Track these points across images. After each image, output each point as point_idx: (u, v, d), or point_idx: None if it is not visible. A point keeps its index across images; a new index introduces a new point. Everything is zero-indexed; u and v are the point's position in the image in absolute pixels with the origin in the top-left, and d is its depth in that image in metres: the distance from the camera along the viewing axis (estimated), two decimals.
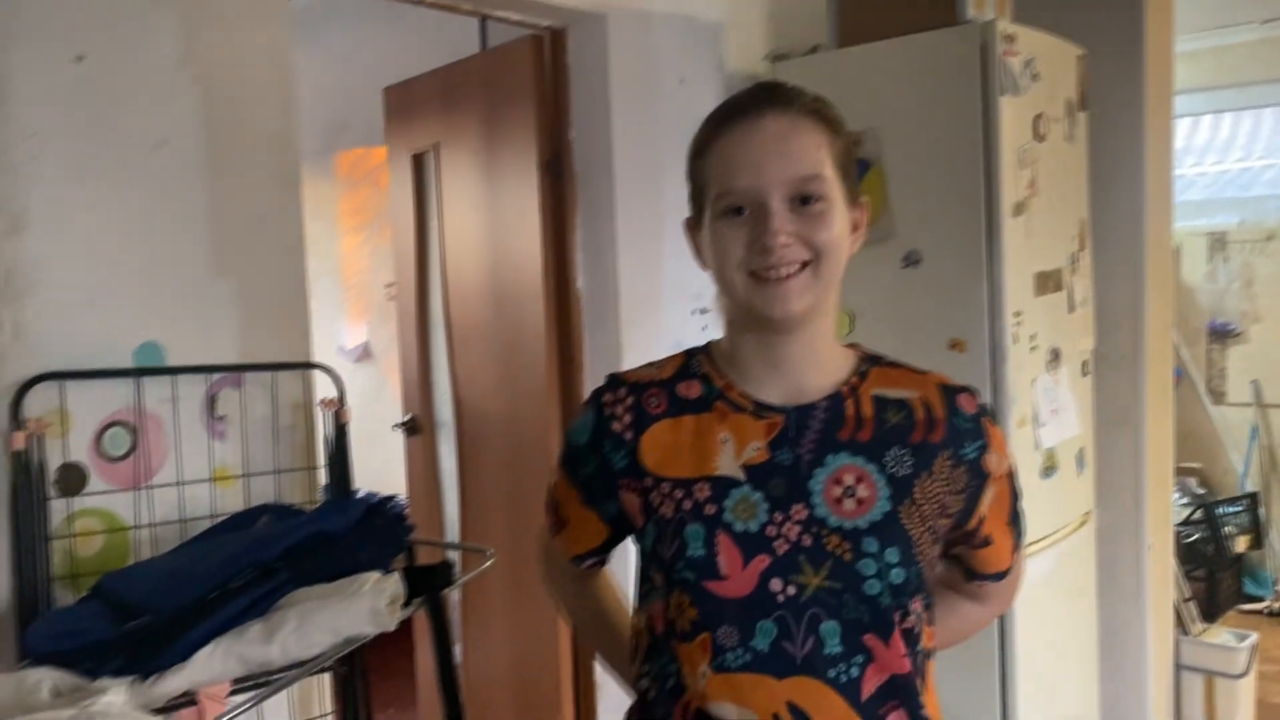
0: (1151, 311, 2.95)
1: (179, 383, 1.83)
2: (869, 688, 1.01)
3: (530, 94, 2.65)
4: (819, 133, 1.04)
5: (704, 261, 1.09)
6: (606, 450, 1.11)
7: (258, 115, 1.96)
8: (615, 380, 1.14)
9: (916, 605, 1.05)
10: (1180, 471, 4.48)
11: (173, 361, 1.82)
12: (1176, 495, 4.05)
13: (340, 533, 1.50)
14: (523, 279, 2.71)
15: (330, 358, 5.14)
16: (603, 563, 1.23)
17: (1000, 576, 1.19)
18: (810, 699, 0.99)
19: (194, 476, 1.83)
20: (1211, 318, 4.85)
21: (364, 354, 5.05)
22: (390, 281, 4.23)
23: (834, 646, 1.00)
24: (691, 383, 1.11)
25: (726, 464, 1.05)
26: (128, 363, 1.78)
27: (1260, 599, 4.47)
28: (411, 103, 3.09)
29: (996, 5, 2.55)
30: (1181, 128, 4.77)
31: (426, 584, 1.50)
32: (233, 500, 1.88)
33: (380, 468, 4.68)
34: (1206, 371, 4.87)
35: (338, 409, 1.96)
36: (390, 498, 1.61)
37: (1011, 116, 2.43)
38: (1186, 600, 3.19)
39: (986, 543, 1.14)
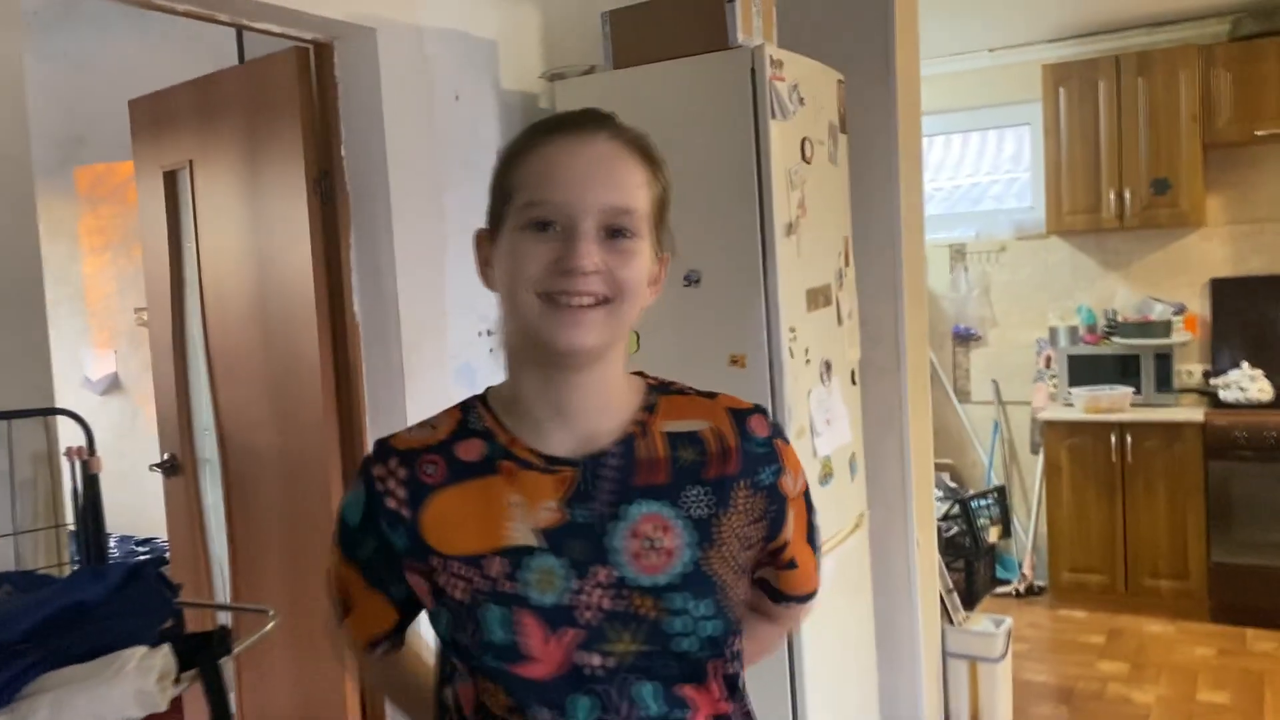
0: (909, 321, 3.13)
1: None
2: None
3: (295, 109, 2.51)
4: (643, 170, 1.01)
5: (491, 278, 1.03)
6: (384, 530, 1.02)
7: None
8: (384, 448, 1.05)
9: (733, 645, 1.03)
10: (935, 468, 4.80)
11: None
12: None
13: (97, 603, 1.35)
14: (293, 304, 2.56)
15: (74, 390, 4.72)
16: (398, 645, 1.14)
17: (809, 597, 1.19)
18: None
19: None
20: (955, 323, 5.23)
21: (112, 385, 4.66)
22: (141, 306, 3.92)
23: (654, 707, 0.97)
24: (471, 442, 1.03)
25: (520, 531, 0.98)
26: None
27: (1008, 582, 4.85)
28: (162, 117, 2.87)
29: (763, 31, 2.64)
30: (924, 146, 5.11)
31: (200, 655, 1.36)
32: None
33: (135, 512, 4.34)
34: (953, 373, 5.25)
35: (86, 458, 1.77)
36: (153, 560, 1.46)
37: (781, 139, 2.52)
38: (949, 591, 3.40)
39: (793, 565, 1.13)
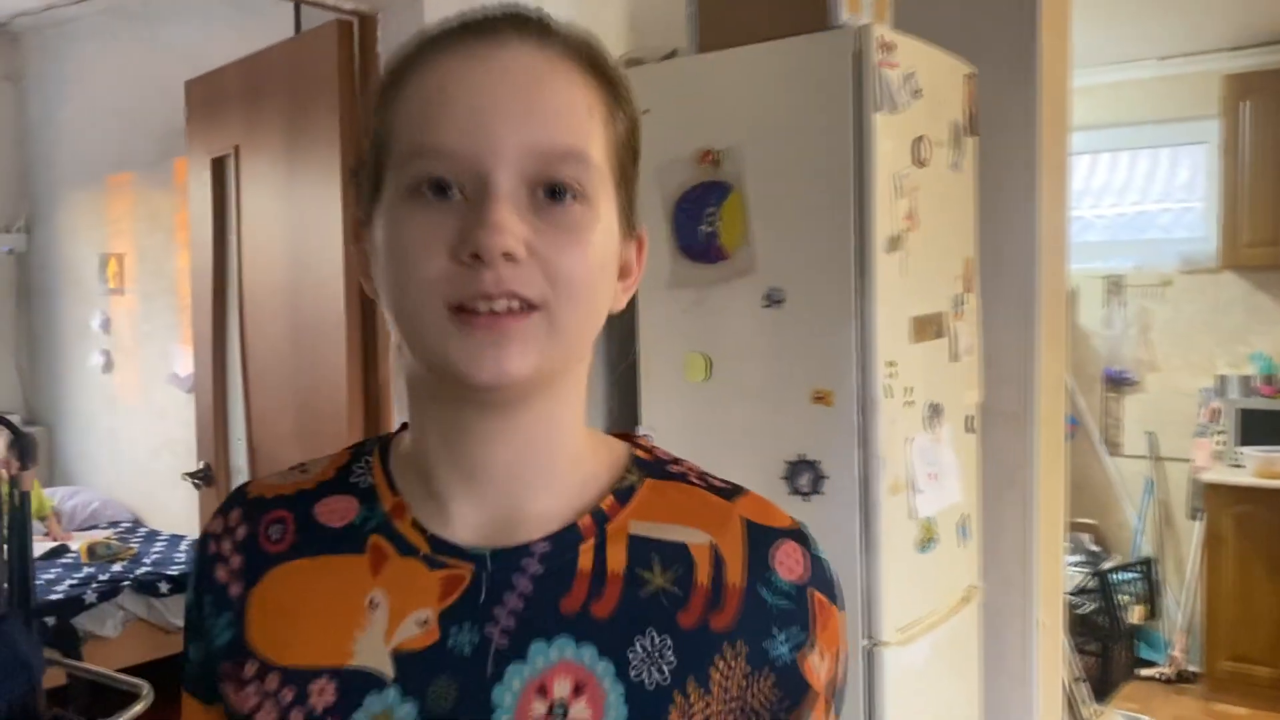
0: (1044, 361, 2.66)
1: None
2: None
3: (334, 91, 2.24)
4: (591, 90, 0.64)
5: (371, 281, 0.67)
6: (206, 614, 0.71)
7: None
8: (234, 496, 0.74)
9: None
10: (1073, 527, 4.24)
11: None
12: (1069, 553, 3.79)
13: None
14: (324, 311, 2.29)
15: (161, 387, 4.64)
16: None
17: None
18: None
19: None
20: (1107, 365, 4.63)
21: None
22: None
23: None
24: (344, 500, 0.70)
25: (368, 648, 0.65)
26: None
27: (1153, 664, 4.22)
28: (213, 99, 2.66)
29: (875, 9, 2.23)
30: (1078, 166, 4.57)
31: None
32: None
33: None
34: (1102, 421, 4.65)
35: (15, 473, 1.51)
36: (33, 612, 1.17)
37: (888, 137, 2.11)
38: (1077, 680, 2.88)
39: None
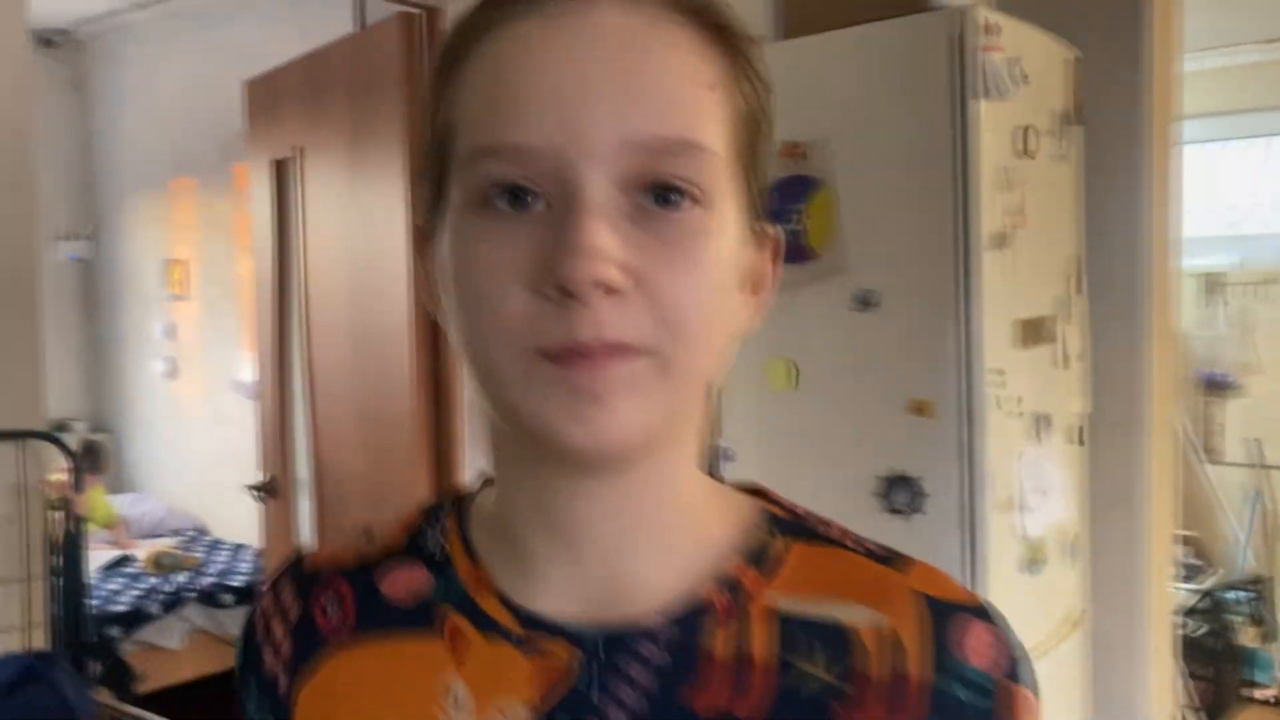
0: (1157, 367, 2.46)
1: None
2: None
3: (400, 86, 2.13)
4: (707, 56, 0.50)
5: (437, 303, 0.55)
6: (251, 711, 0.59)
7: None
8: (293, 567, 0.61)
9: None
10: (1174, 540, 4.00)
11: None
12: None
13: None
14: (389, 319, 2.19)
15: (224, 394, 4.60)
16: None
17: None
18: None
19: None
20: (1206, 367, 4.38)
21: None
22: None
23: None
24: (414, 570, 0.57)
25: None
26: None
27: (1262, 685, 3.97)
28: (275, 99, 2.57)
29: None
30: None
31: None
32: None
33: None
34: (1201, 427, 4.40)
35: (69, 495, 1.41)
36: (55, 657, 1.06)
37: (990, 127, 1.95)
38: (1187, 707, 2.68)
39: None
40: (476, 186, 0.48)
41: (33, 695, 1.06)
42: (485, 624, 0.54)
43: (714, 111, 0.49)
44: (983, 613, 0.54)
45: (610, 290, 0.45)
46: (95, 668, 1.37)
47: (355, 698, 0.54)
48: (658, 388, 0.47)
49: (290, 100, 2.51)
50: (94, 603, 3.52)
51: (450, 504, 0.60)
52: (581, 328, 0.45)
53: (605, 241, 0.45)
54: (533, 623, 0.53)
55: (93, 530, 4.23)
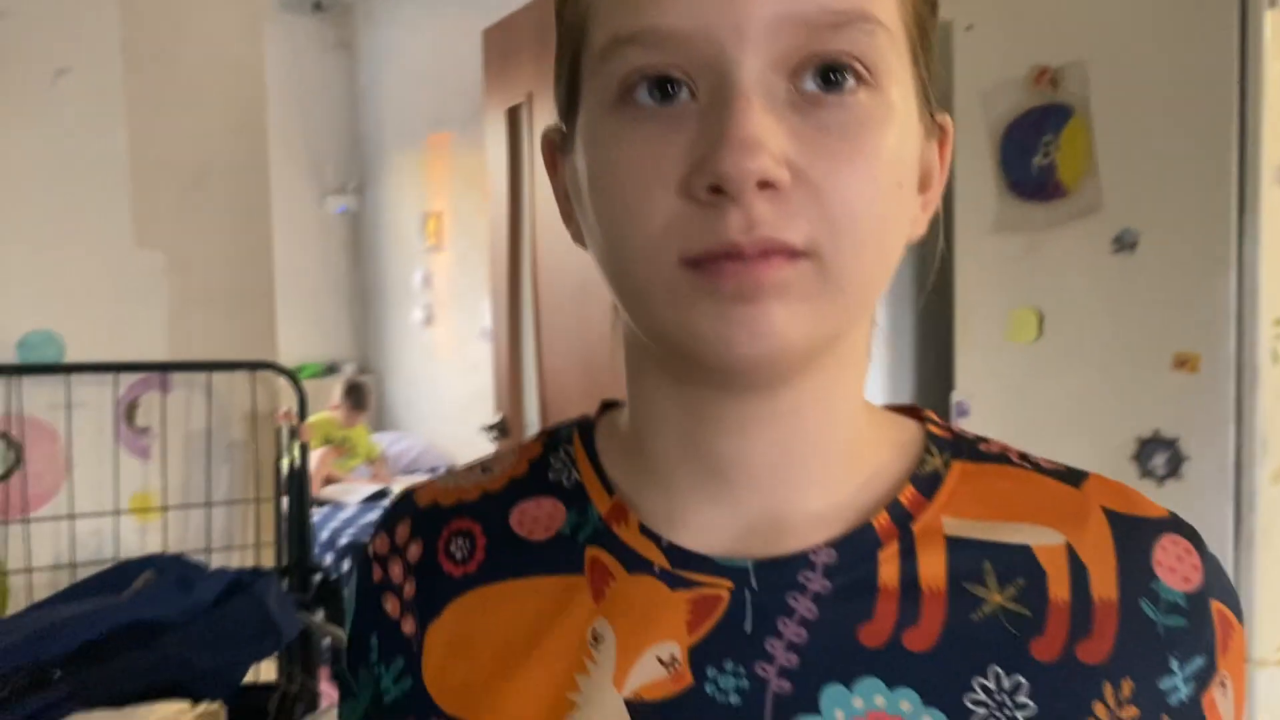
0: None
1: (80, 384, 1.40)
2: None
3: None
4: None
5: (575, 224, 0.51)
6: (373, 660, 0.54)
7: (205, 30, 1.51)
8: (404, 502, 0.58)
9: None
10: None
11: (74, 356, 1.40)
12: None
13: (171, 624, 1.02)
14: None
15: (473, 340, 4.82)
16: None
17: None
18: None
19: (97, 507, 1.41)
20: None
21: None
22: None
23: None
24: (545, 503, 0.53)
25: (595, 698, 0.47)
26: (7, 357, 1.37)
27: None
28: (509, 46, 2.62)
29: None
30: None
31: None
32: (153, 539, 1.45)
33: None
34: None
35: (295, 424, 1.49)
36: (264, 572, 1.11)
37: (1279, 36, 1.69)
38: None
39: None
40: (616, 80, 0.43)
41: (238, 605, 1.12)
42: (628, 558, 0.50)
43: None
44: (1174, 525, 0.49)
45: (768, 186, 0.40)
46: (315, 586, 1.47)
47: (490, 638, 0.51)
48: (819, 295, 0.42)
49: (523, 46, 2.54)
50: (351, 531, 3.80)
51: (573, 429, 0.56)
52: (733, 227, 0.40)
53: (765, 132, 0.40)
54: (681, 557, 0.49)
55: (355, 465, 4.56)
